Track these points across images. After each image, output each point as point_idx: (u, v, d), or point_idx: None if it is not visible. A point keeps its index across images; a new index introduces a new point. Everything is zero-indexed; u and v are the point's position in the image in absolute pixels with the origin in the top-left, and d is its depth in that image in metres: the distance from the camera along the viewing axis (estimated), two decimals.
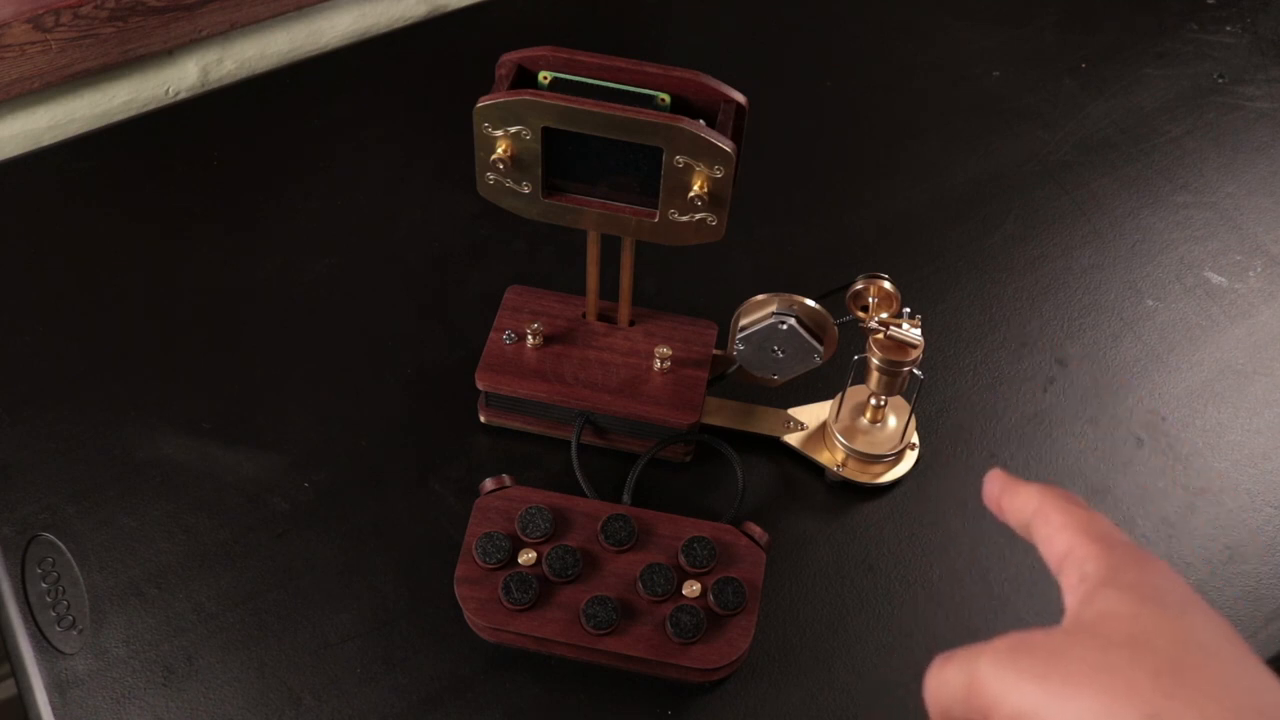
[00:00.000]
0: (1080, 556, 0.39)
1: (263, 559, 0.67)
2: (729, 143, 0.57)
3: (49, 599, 0.65)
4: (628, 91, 0.59)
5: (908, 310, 0.65)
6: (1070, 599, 0.39)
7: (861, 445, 0.69)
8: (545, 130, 0.58)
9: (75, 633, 0.64)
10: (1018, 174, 0.87)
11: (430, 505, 0.69)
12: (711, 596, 0.62)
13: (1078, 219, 0.85)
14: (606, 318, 0.71)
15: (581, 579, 0.63)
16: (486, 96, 0.58)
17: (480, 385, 0.69)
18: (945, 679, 0.38)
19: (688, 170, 0.58)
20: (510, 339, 0.70)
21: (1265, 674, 0.35)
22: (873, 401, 0.69)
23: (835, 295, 0.67)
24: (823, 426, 0.71)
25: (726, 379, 0.71)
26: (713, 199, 0.59)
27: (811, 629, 0.66)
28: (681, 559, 0.63)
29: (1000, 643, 0.37)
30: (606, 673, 0.63)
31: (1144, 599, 0.36)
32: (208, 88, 0.93)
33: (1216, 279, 0.82)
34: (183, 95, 0.92)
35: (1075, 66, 0.95)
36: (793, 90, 0.92)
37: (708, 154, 0.57)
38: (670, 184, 0.59)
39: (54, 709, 0.62)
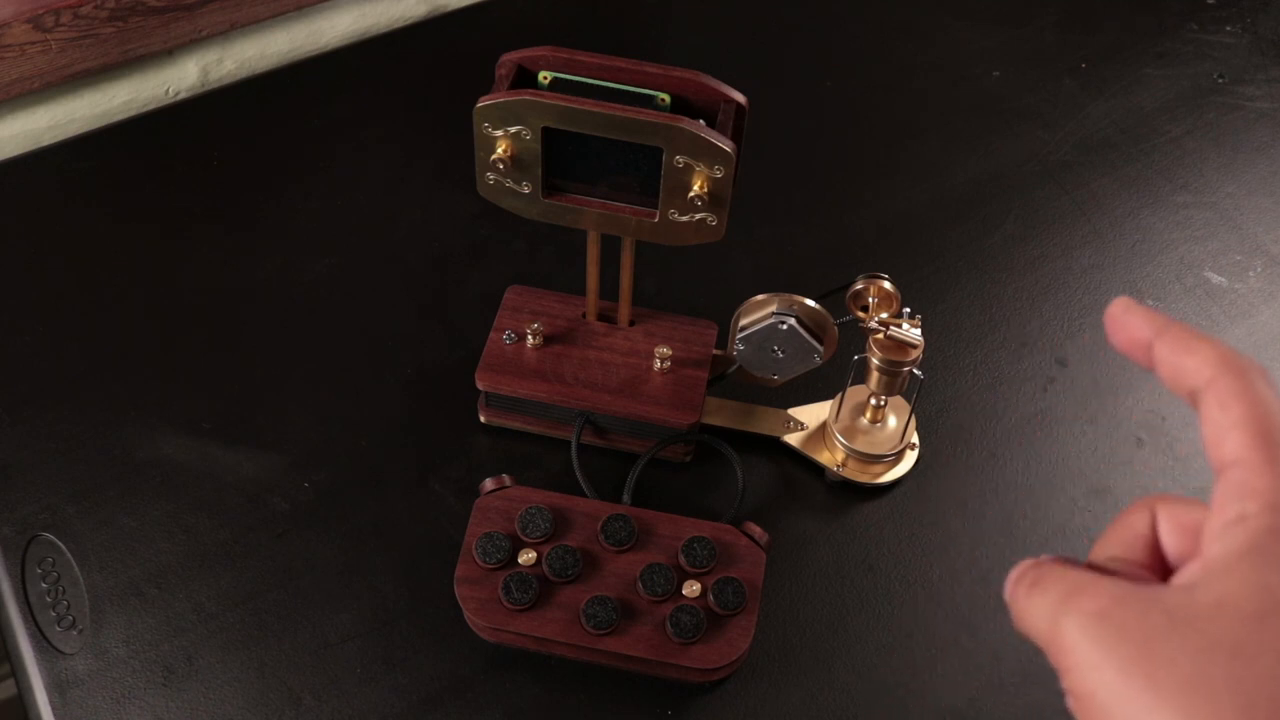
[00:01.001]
0: (1247, 486, 0.31)
1: (263, 559, 0.67)
2: (729, 143, 0.57)
3: (49, 599, 0.65)
4: (628, 91, 0.59)
5: (908, 310, 0.65)
6: (1211, 535, 0.32)
7: (861, 445, 0.69)
8: (545, 130, 0.58)
9: (75, 633, 0.64)
10: (1018, 174, 0.87)
11: (430, 505, 0.69)
12: (711, 596, 0.62)
13: (1078, 219, 0.85)
14: (606, 318, 0.71)
15: (581, 579, 0.63)
16: (486, 96, 0.58)
17: (480, 385, 0.69)
18: (1033, 606, 0.33)
19: (688, 170, 0.58)
20: (510, 339, 0.70)
21: None
22: (873, 401, 0.69)
23: (835, 295, 0.67)
24: (823, 426, 0.71)
25: (726, 379, 0.71)
26: (713, 199, 0.59)
27: (811, 629, 0.66)
28: (681, 559, 0.63)
29: (1097, 600, 0.32)
30: (606, 673, 0.63)
31: None
32: (208, 88, 0.93)
33: (1216, 279, 0.82)
34: (183, 95, 0.92)
35: (1075, 66, 0.95)
36: (793, 90, 0.92)
37: (708, 154, 0.57)
38: (670, 184, 0.59)
39: (54, 709, 0.62)
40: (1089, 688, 0.31)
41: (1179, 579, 0.33)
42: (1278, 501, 0.31)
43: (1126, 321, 0.35)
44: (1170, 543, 0.35)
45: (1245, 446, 0.32)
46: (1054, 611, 0.32)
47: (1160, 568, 0.35)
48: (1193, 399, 0.34)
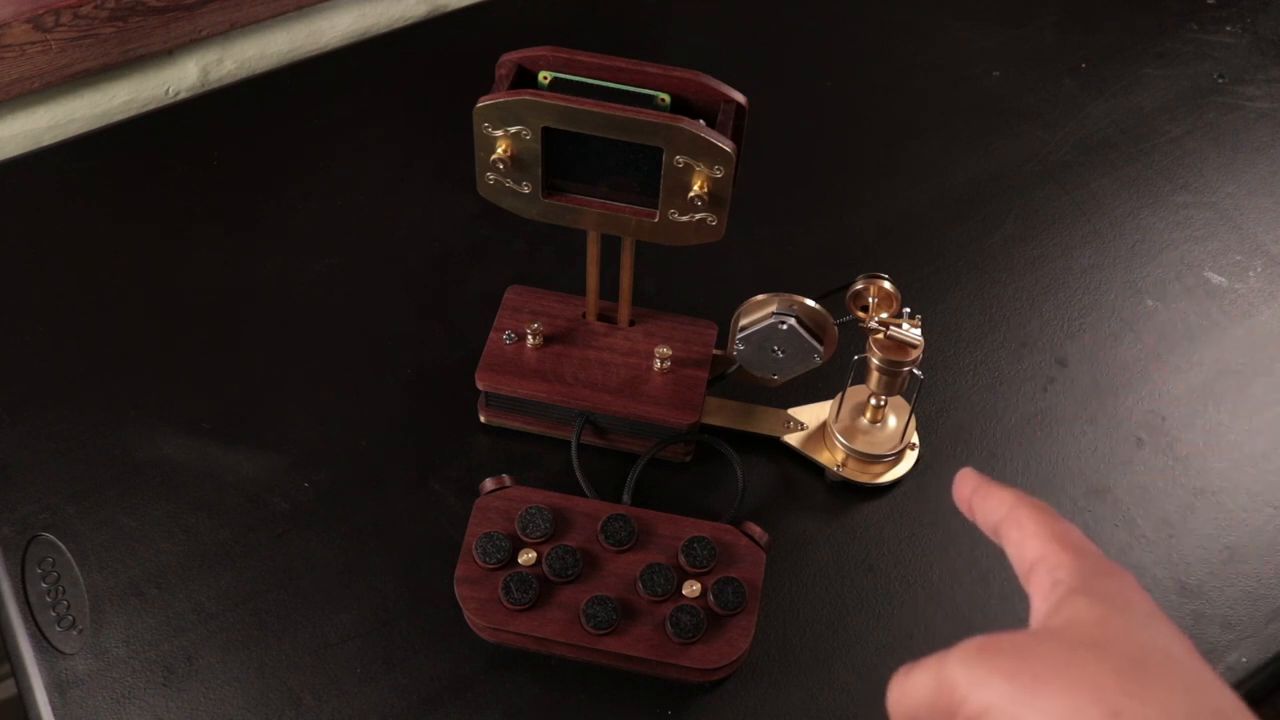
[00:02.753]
0: (1053, 564, 0.40)
1: (263, 559, 0.67)
2: (729, 143, 0.57)
3: (49, 599, 0.65)
4: (628, 91, 0.59)
5: (908, 310, 0.65)
6: (1039, 604, 0.40)
7: (861, 445, 0.69)
8: (545, 130, 0.58)
9: (75, 633, 0.64)
10: (1018, 174, 0.87)
11: (430, 505, 0.69)
12: (711, 596, 0.62)
13: (1078, 219, 0.85)
14: (606, 318, 0.71)
15: (581, 579, 0.63)
16: (486, 96, 0.58)
17: (480, 385, 0.69)
18: (911, 684, 0.39)
19: (688, 170, 0.58)
20: (510, 339, 0.70)
21: (1222, 684, 0.36)
22: (873, 401, 0.69)
23: (835, 295, 0.67)
24: (823, 426, 0.71)
25: (726, 379, 0.71)
26: (713, 199, 0.59)
27: (811, 629, 0.66)
28: (681, 559, 0.63)
29: (969, 644, 0.38)
30: (606, 673, 0.63)
31: (1112, 606, 0.37)
32: (208, 88, 0.93)
33: (1216, 279, 0.82)
34: (183, 95, 0.92)
35: (1075, 66, 0.95)
36: (793, 90, 0.92)
37: (708, 154, 0.57)
38: (670, 184, 0.59)
39: (54, 709, 0.62)
40: (983, 704, 0.36)
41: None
42: (1081, 566, 0.39)
43: (959, 491, 0.45)
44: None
45: (1043, 545, 0.40)
46: (935, 668, 0.38)
47: None
48: (997, 533, 0.43)
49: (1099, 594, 0.38)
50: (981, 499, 0.44)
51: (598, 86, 0.59)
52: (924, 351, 0.65)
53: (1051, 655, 0.36)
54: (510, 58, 0.60)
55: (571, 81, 0.59)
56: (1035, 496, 0.43)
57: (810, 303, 0.65)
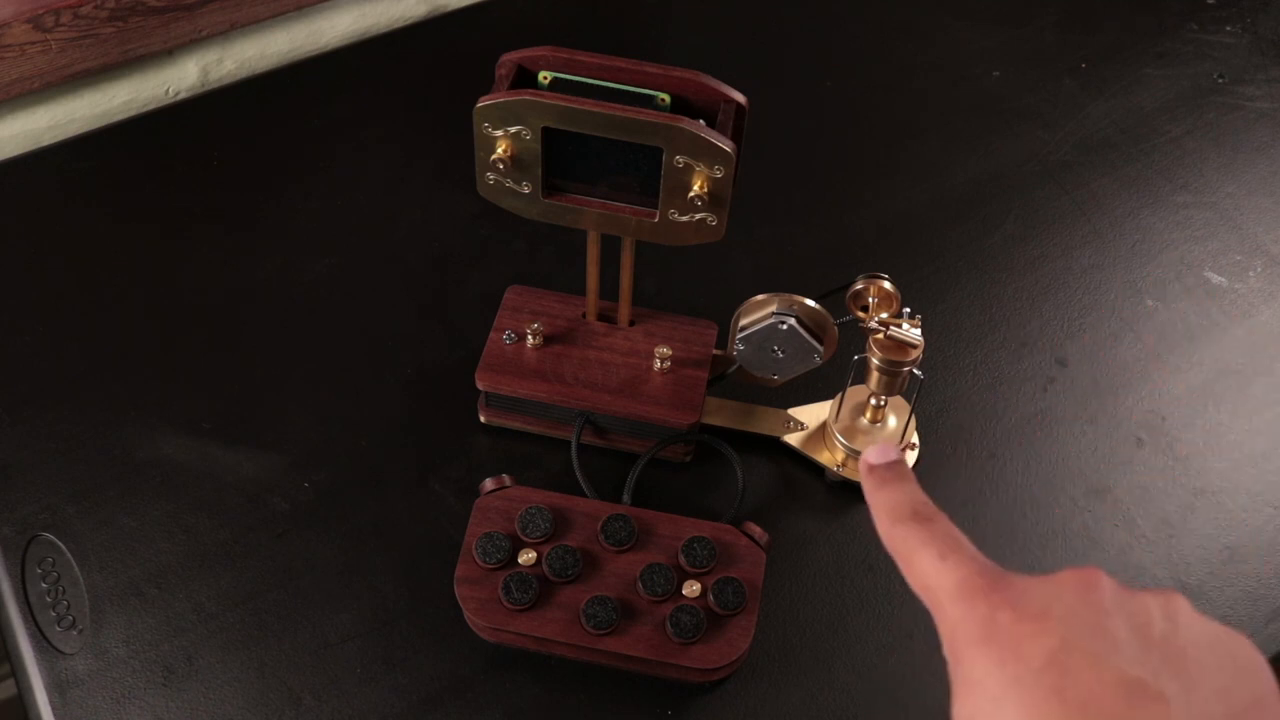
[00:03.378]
0: (937, 617, 0.39)
1: (263, 559, 0.67)
2: (729, 143, 0.57)
3: (49, 599, 0.65)
4: (628, 91, 0.59)
5: (908, 310, 0.65)
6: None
7: (861, 445, 0.69)
8: (545, 130, 0.58)
9: (75, 633, 0.64)
10: (1018, 174, 0.87)
11: (430, 505, 0.69)
12: (711, 596, 0.62)
13: (1078, 219, 0.85)
14: (606, 318, 0.71)
15: (581, 579, 0.63)
16: (486, 96, 0.58)
17: (480, 385, 0.69)
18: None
19: (688, 170, 0.58)
20: (510, 339, 0.70)
21: None
22: (873, 401, 0.69)
23: (835, 295, 0.67)
24: (823, 426, 0.71)
25: (726, 379, 0.71)
26: (713, 199, 0.59)
27: (811, 629, 0.66)
28: (681, 559, 0.63)
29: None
30: (606, 673, 0.63)
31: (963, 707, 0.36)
32: (208, 88, 0.93)
33: (1216, 279, 0.82)
34: (183, 95, 0.92)
35: (1075, 66, 0.95)
36: (793, 90, 0.92)
37: (708, 154, 0.57)
38: (670, 184, 0.59)
39: (54, 709, 0.62)
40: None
41: None
42: (950, 633, 0.39)
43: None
44: None
45: (914, 581, 0.40)
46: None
47: None
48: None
49: (960, 680, 0.37)
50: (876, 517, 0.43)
51: (598, 86, 0.59)
52: (924, 351, 0.65)
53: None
54: (510, 58, 0.60)
55: (571, 81, 0.59)
56: (941, 517, 0.42)
57: (810, 303, 0.65)
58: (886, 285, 0.65)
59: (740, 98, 0.59)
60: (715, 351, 0.70)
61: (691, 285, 0.79)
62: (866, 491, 0.44)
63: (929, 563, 0.40)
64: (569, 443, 0.69)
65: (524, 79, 0.60)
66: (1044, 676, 0.34)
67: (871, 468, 0.44)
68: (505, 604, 0.61)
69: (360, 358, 0.75)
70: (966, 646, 0.36)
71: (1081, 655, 0.34)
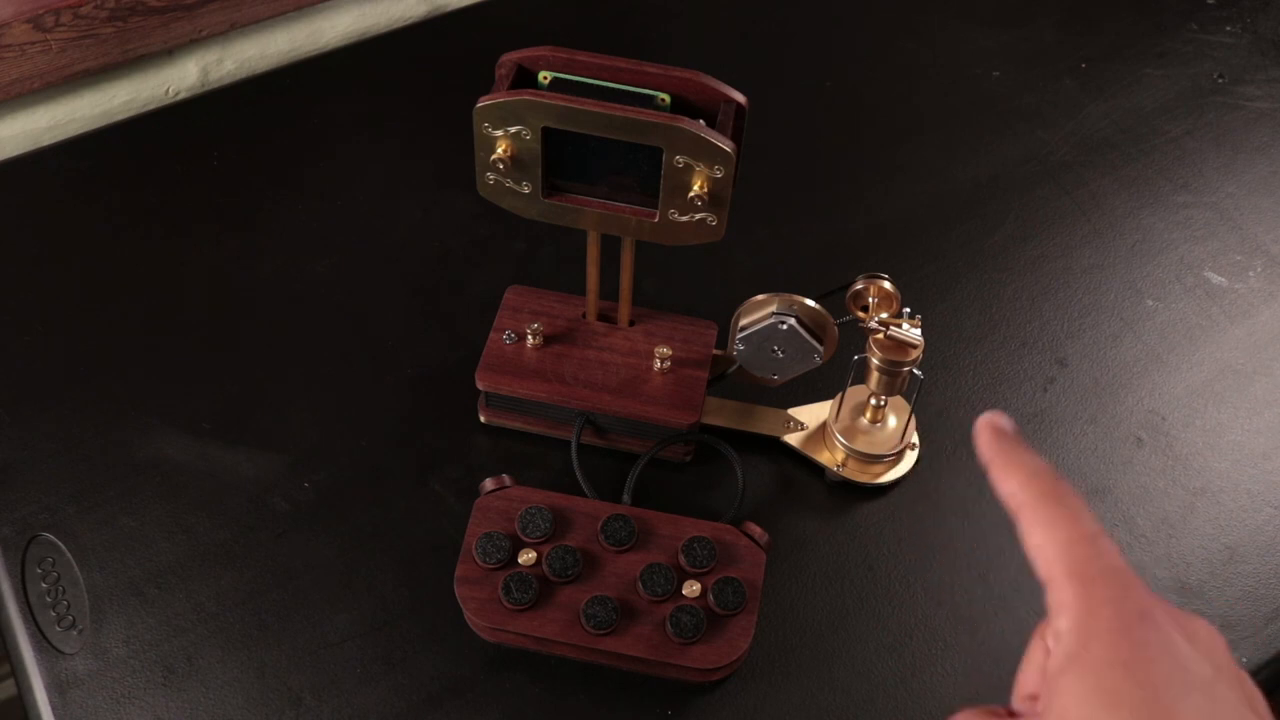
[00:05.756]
0: (1058, 603, 0.37)
1: (263, 559, 0.67)
2: (729, 143, 0.57)
3: (49, 599, 0.65)
4: (628, 91, 0.59)
5: (908, 310, 0.65)
6: (1049, 654, 0.38)
7: (861, 445, 0.69)
8: (545, 130, 0.58)
9: (75, 633, 0.64)
10: (1018, 174, 0.87)
11: (430, 505, 0.69)
12: (711, 596, 0.62)
13: (1078, 219, 0.85)
14: (606, 318, 0.71)
15: (581, 579, 0.63)
16: (486, 96, 0.58)
17: (480, 385, 0.69)
18: None
19: (688, 170, 0.58)
20: (510, 339, 0.70)
21: None
22: (873, 401, 0.69)
23: (835, 295, 0.67)
24: (823, 426, 0.71)
25: (726, 379, 0.71)
26: (713, 199, 0.59)
27: (811, 629, 0.66)
28: (681, 559, 0.63)
29: None
30: (606, 673, 0.63)
31: (1101, 701, 0.35)
32: (208, 88, 0.93)
33: (1216, 279, 0.82)
34: (183, 95, 0.92)
35: (1075, 66, 0.95)
36: (793, 90, 0.92)
37: (708, 154, 0.57)
38: (670, 184, 0.59)
39: (54, 709, 0.62)
40: None
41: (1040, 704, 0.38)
42: (1089, 619, 0.36)
43: (981, 449, 0.41)
44: None
45: (1048, 568, 0.37)
46: None
47: None
48: (1014, 519, 0.39)
49: (1096, 670, 0.35)
50: (998, 477, 0.40)
51: (598, 86, 0.59)
52: (924, 351, 0.65)
53: None
54: (510, 58, 0.60)
55: (571, 81, 0.59)
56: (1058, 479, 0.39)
57: (810, 303, 0.65)
58: (886, 285, 0.65)
59: (740, 98, 0.59)
60: (715, 351, 0.70)
61: (691, 285, 0.79)
62: (992, 449, 0.41)
63: (1065, 537, 0.38)
64: (569, 443, 0.69)
65: (524, 79, 0.60)
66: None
67: (1000, 431, 0.41)
68: (505, 604, 0.61)
69: (360, 358, 0.75)
70: (1101, 634, 0.36)
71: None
